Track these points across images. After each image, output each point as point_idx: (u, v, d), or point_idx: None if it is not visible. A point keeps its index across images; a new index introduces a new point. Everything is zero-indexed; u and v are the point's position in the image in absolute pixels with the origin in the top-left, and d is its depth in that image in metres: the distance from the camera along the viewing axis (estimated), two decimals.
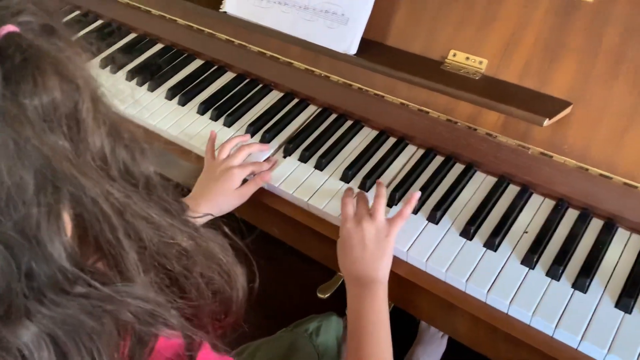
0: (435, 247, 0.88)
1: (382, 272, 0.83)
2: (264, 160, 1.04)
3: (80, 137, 0.42)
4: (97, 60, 1.33)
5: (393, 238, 0.85)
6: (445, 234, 0.89)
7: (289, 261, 1.76)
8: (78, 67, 0.43)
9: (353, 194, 0.91)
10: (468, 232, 0.88)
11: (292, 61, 1.11)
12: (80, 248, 0.44)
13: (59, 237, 0.40)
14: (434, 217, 0.91)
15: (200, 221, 0.86)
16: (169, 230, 0.49)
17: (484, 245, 0.86)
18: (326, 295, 1.41)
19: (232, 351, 0.58)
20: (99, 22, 1.46)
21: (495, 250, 0.86)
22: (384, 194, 0.88)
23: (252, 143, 1.05)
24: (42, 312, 0.40)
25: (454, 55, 0.93)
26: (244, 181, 0.98)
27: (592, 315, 0.77)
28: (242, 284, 0.59)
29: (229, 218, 0.63)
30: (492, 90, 0.88)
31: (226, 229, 0.61)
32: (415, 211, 0.92)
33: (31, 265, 0.39)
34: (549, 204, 0.91)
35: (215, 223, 0.61)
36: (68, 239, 0.42)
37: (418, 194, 0.90)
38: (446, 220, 0.91)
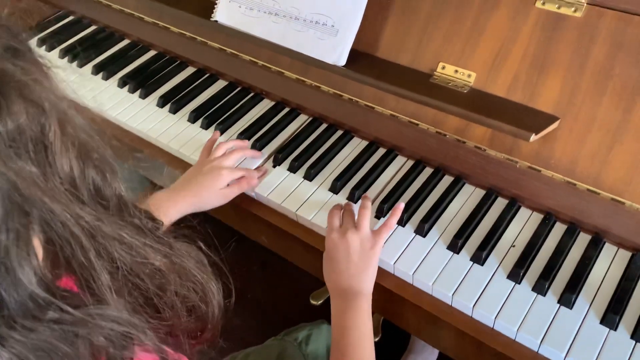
0: (423, 260, 0.88)
1: (367, 284, 0.82)
2: (255, 169, 1.04)
3: (47, 161, 0.41)
4: (89, 66, 1.33)
5: (378, 249, 0.85)
6: (432, 247, 0.89)
7: (282, 267, 1.76)
8: (44, 89, 0.42)
9: (341, 207, 0.91)
10: (455, 246, 0.88)
11: (283, 71, 1.11)
12: (52, 272, 0.43)
13: (29, 263, 0.40)
14: (422, 230, 0.90)
15: (172, 217, 0.88)
16: (142, 250, 0.49)
17: (471, 259, 0.86)
18: (319, 302, 1.41)
19: None
20: (93, 27, 1.46)
21: (482, 264, 0.86)
22: (369, 206, 0.88)
23: (247, 148, 1.06)
24: (15, 338, 0.40)
25: (443, 68, 0.93)
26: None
27: (578, 331, 0.77)
28: (217, 301, 0.58)
29: (205, 234, 0.62)
30: (480, 104, 0.87)
31: (201, 245, 0.60)
32: (403, 223, 0.92)
33: (1, 293, 0.39)
34: (537, 217, 0.91)
35: (191, 237, 0.60)
36: (39, 264, 0.41)
37: (402, 204, 0.90)
38: (434, 232, 0.91)
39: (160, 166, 1.13)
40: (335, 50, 0.97)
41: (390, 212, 0.90)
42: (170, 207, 0.90)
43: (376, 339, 1.56)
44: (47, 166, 0.41)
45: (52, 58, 1.38)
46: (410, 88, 0.91)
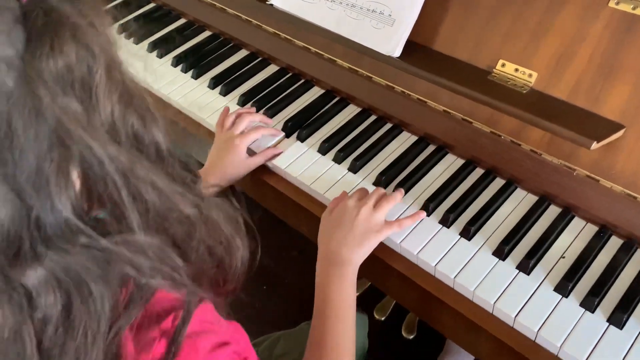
0: (466, 264, 0.84)
1: (358, 257, 0.83)
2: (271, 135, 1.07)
3: (91, 101, 0.43)
4: (145, 43, 1.34)
5: (381, 236, 0.85)
6: (477, 251, 0.86)
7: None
8: (97, 34, 0.44)
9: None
10: (502, 252, 0.84)
11: (335, 59, 1.09)
12: (86, 204, 0.46)
13: (66, 192, 0.43)
14: (468, 233, 0.87)
15: (209, 192, 0.89)
16: (173, 197, 0.50)
17: (517, 267, 0.83)
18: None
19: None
20: (152, 5, 1.47)
21: (528, 274, 0.82)
22: (398, 198, 0.89)
23: (254, 112, 1.09)
24: (50, 258, 0.43)
25: (503, 65, 0.89)
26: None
27: (627, 353, 0.73)
28: (242, 255, 0.59)
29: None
30: (539, 106, 0.83)
31: (234, 202, 0.61)
32: (448, 224, 0.89)
33: (40, 215, 0.42)
34: (591, 229, 0.86)
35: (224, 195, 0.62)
36: (75, 194, 0.44)
37: (424, 213, 0.89)
38: (480, 236, 0.87)
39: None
40: (391, 41, 0.94)
41: (411, 214, 0.89)
42: (208, 185, 0.93)
43: (411, 337, 1.55)
44: (90, 106, 0.43)
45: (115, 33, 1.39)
46: (467, 84, 0.88)
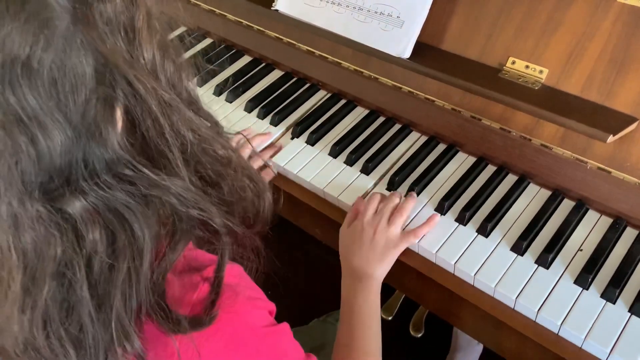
0: (485, 261, 0.85)
1: (380, 272, 0.86)
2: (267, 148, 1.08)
3: (135, 43, 0.46)
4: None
5: (399, 250, 0.87)
6: (495, 248, 0.86)
7: (324, 256, 1.75)
8: None
9: (383, 197, 0.93)
10: (520, 247, 0.85)
11: (340, 61, 1.09)
12: (129, 141, 0.48)
13: (113, 126, 0.45)
14: (485, 229, 0.88)
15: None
16: (208, 138, 0.53)
17: (536, 262, 0.84)
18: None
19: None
20: None
21: (547, 268, 0.83)
22: (410, 207, 0.90)
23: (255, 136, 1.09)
24: (94, 192, 0.45)
25: (513, 62, 0.90)
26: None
27: None
28: (268, 197, 0.63)
29: None
30: (552, 101, 0.84)
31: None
32: (465, 222, 0.90)
33: (88, 147, 0.44)
34: (606, 221, 0.87)
35: None
36: (120, 130, 0.46)
37: (438, 216, 0.90)
38: (497, 233, 0.88)
39: None
40: (400, 42, 0.95)
41: (426, 221, 0.89)
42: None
43: (419, 335, 1.55)
44: (134, 47, 0.46)
45: None
46: (479, 83, 0.88)
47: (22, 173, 0.41)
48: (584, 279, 0.80)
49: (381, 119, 1.09)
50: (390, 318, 1.58)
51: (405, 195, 0.94)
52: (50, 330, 0.46)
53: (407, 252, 0.90)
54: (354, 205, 0.94)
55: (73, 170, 0.44)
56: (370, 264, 0.85)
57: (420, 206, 0.93)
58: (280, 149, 1.07)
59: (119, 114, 0.46)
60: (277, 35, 1.18)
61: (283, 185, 1.04)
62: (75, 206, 0.44)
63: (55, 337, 0.46)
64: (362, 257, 0.86)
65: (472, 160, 0.99)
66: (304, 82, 1.20)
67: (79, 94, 0.43)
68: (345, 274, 0.88)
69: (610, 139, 0.78)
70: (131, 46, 0.46)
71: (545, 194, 0.92)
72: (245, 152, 1.03)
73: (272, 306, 0.61)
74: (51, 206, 0.44)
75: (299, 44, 1.15)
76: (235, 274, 0.58)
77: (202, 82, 1.24)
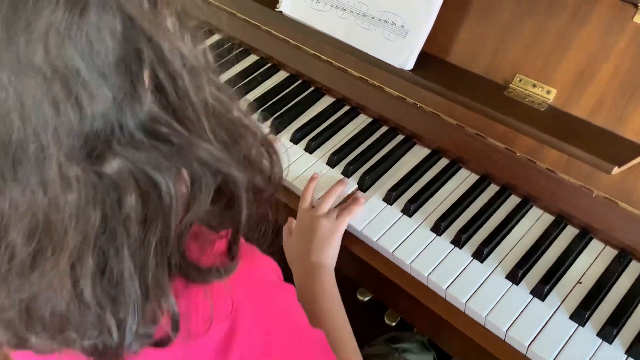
0: (478, 288, 0.81)
1: (328, 259, 0.86)
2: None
3: (157, 8, 0.46)
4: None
5: (340, 232, 0.88)
6: (490, 274, 0.83)
7: None
8: None
9: (315, 181, 0.96)
10: (515, 276, 0.81)
11: (346, 68, 1.06)
12: (159, 101, 0.48)
13: (144, 87, 0.46)
14: (480, 254, 0.84)
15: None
16: (226, 101, 0.53)
17: (532, 292, 0.80)
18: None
19: None
20: None
21: (543, 300, 0.79)
22: (336, 192, 0.93)
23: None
24: (130, 151, 0.46)
25: (520, 80, 0.85)
26: None
27: None
28: (280, 163, 0.62)
29: None
30: (558, 125, 0.80)
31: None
32: (461, 245, 0.86)
33: (123, 107, 0.45)
34: (610, 252, 0.82)
35: None
36: (149, 90, 0.47)
37: (363, 199, 0.92)
38: (493, 258, 0.84)
39: None
40: (403, 53, 0.90)
41: (352, 199, 0.91)
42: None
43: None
44: (157, 11, 0.46)
45: None
46: (482, 101, 0.84)
47: (66, 132, 0.42)
48: (581, 315, 0.76)
49: (384, 129, 1.06)
50: (394, 324, 1.55)
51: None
52: (95, 288, 0.47)
53: (400, 272, 0.87)
54: (288, 223, 0.96)
55: (109, 131, 0.45)
56: (314, 252, 0.86)
57: (415, 225, 0.89)
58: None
59: (146, 74, 0.47)
60: (284, 37, 1.14)
61: (279, 194, 1.01)
62: (113, 167, 0.45)
63: (99, 294, 0.48)
64: (304, 251, 0.87)
65: (474, 178, 0.95)
66: (309, 85, 1.16)
67: (114, 54, 0.44)
68: (295, 277, 0.87)
69: (615, 170, 0.73)
70: (155, 9, 0.46)
71: (548, 218, 0.87)
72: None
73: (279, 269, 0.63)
74: (90, 168, 0.45)
75: (305, 47, 1.12)
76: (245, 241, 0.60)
77: None
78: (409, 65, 0.91)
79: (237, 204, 0.56)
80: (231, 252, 0.55)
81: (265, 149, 0.60)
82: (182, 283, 0.52)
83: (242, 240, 0.58)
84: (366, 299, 1.30)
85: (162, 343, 0.52)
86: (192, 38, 0.51)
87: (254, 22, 1.19)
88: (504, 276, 0.82)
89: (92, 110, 0.43)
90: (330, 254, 0.87)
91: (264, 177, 0.60)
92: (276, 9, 1.09)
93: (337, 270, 0.87)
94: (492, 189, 0.93)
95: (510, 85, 0.86)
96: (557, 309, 0.78)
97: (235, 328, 0.53)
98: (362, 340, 1.22)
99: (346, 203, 0.93)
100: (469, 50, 0.90)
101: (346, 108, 1.11)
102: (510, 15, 0.86)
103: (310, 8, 1.00)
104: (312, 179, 0.97)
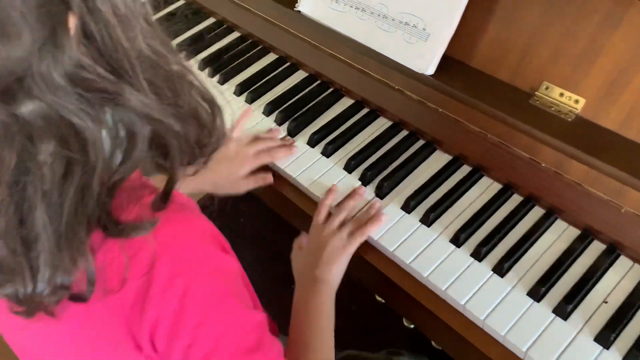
0: (498, 304, 0.78)
1: (331, 276, 0.83)
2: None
3: None
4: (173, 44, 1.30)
5: (349, 252, 0.85)
6: (510, 291, 0.79)
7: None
8: None
9: (334, 195, 0.93)
10: (537, 293, 0.78)
11: (365, 69, 1.02)
12: (86, 47, 0.47)
13: (68, 34, 0.44)
14: (501, 269, 0.81)
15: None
16: (163, 52, 0.52)
17: (554, 311, 0.76)
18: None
19: None
20: (181, 1, 1.42)
21: (565, 319, 0.75)
22: (354, 207, 0.90)
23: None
24: (49, 95, 0.44)
25: (546, 88, 0.81)
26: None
27: None
28: (222, 118, 0.60)
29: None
30: (586, 137, 0.76)
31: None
32: (481, 258, 0.83)
33: (44, 50, 0.43)
34: (638, 271, 0.78)
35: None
36: (74, 36, 0.45)
37: (385, 216, 0.88)
38: (514, 273, 0.81)
39: None
40: (424, 57, 0.87)
41: (372, 217, 0.88)
42: (192, 180, 0.92)
43: (440, 347, 1.50)
44: None
45: None
46: (506, 109, 0.80)
47: None
48: (605, 337, 0.72)
49: (404, 133, 1.02)
50: (412, 326, 1.53)
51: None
52: (9, 233, 0.47)
53: (415, 283, 0.84)
54: (302, 234, 0.94)
55: (28, 74, 0.44)
56: (318, 267, 0.83)
57: (433, 236, 0.87)
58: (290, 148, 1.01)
59: (72, 21, 0.45)
60: (300, 35, 1.12)
61: (291, 194, 1.00)
62: (28, 108, 0.44)
63: (14, 240, 0.47)
64: (311, 264, 0.85)
65: (497, 187, 0.91)
66: (327, 86, 1.14)
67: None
68: (297, 289, 0.85)
69: None
70: None
71: (574, 233, 0.84)
72: (260, 162, 0.99)
73: (227, 243, 0.60)
74: (2, 106, 0.44)
75: (324, 47, 1.09)
76: (186, 200, 0.58)
77: (224, 80, 1.19)
78: (430, 70, 0.88)
79: (171, 154, 0.54)
80: (156, 205, 0.53)
81: (209, 105, 0.58)
82: (101, 236, 0.51)
83: (181, 198, 0.56)
84: (385, 300, 1.29)
85: (80, 297, 0.51)
86: None
87: (272, 20, 1.17)
88: (525, 293, 0.79)
89: (7, 51, 0.42)
90: (335, 272, 0.84)
91: (205, 131, 0.58)
92: (295, 9, 1.06)
93: (349, 274, 0.86)
94: (515, 200, 0.89)
95: (536, 93, 0.82)
96: (580, 330, 0.74)
97: (149, 287, 0.52)
98: (380, 343, 1.20)
99: (363, 219, 0.89)
100: (493, 55, 0.86)
101: (365, 110, 1.08)
102: (537, 19, 0.82)
103: (329, 8, 0.97)
104: (330, 191, 0.93)
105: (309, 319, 0.80)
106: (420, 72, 0.88)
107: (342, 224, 0.88)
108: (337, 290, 0.84)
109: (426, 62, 0.87)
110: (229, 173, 0.97)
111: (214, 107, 0.59)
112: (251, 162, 0.98)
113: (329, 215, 0.91)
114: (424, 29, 0.86)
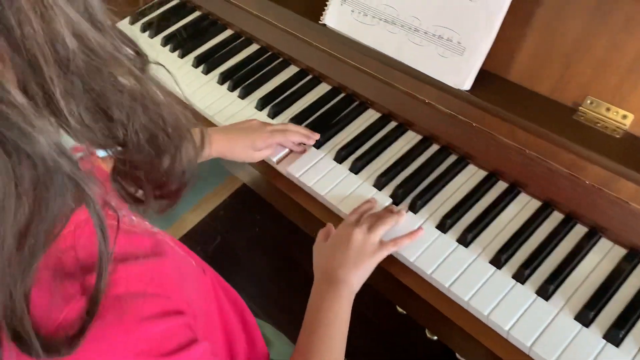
0: (544, 330, 0.75)
1: (354, 279, 0.79)
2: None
3: None
4: (191, 57, 1.27)
5: (377, 259, 0.82)
6: (557, 314, 0.76)
7: None
8: None
9: (371, 204, 0.91)
10: (585, 318, 0.74)
11: (392, 82, 0.99)
12: None
13: None
14: (546, 291, 0.77)
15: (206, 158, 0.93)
16: (103, 54, 0.39)
17: (604, 337, 0.73)
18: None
19: None
20: (197, 13, 1.40)
21: (617, 346, 0.72)
22: (394, 220, 0.86)
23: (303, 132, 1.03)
24: None
25: (591, 103, 0.78)
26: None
27: None
28: (190, 148, 0.49)
29: None
30: (635, 154, 0.72)
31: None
32: (524, 281, 0.79)
33: None
34: None
35: None
36: None
37: (422, 231, 0.86)
38: (559, 296, 0.77)
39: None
40: (460, 72, 0.84)
41: (409, 232, 0.86)
42: (214, 142, 0.93)
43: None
44: None
45: (155, 44, 1.34)
46: (549, 125, 0.77)
47: None
48: None
49: (435, 147, 0.99)
50: (435, 338, 1.50)
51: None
52: None
53: (454, 306, 0.81)
54: (326, 227, 0.89)
55: None
56: (343, 267, 0.79)
57: (471, 258, 0.83)
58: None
59: None
60: (324, 48, 1.08)
61: (318, 211, 0.97)
62: None
63: None
64: (335, 260, 0.81)
65: (536, 204, 0.88)
66: (352, 98, 1.10)
67: None
68: (316, 282, 0.81)
69: None
70: None
71: (619, 252, 0.80)
72: (276, 140, 0.99)
73: (188, 316, 0.48)
74: None
75: (348, 60, 1.06)
76: (150, 278, 0.45)
77: (245, 94, 1.16)
78: (467, 85, 0.85)
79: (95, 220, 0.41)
80: (75, 334, 0.40)
81: (172, 129, 0.46)
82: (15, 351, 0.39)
83: (119, 292, 0.43)
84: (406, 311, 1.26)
85: None
86: None
87: (294, 32, 1.13)
88: (573, 317, 0.75)
89: None
90: (358, 276, 0.80)
91: (164, 164, 0.47)
92: (320, 22, 1.03)
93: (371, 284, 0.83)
94: (556, 217, 0.86)
95: (580, 108, 0.78)
96: (634, 357, 0.71)
97: None
98: (402, 355, 1.16)
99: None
100: (532, 68, 0.83)
101: (393, 124, 1.04)
102: (580, 30, 0.78)
103: (357, 22, 0.94)
104: (368, 201, 0.92)
105: (321, 321, 0.76)
106: (456, 87, 0.85)
107: (375, 229, 0.84)
108: (358, 300, 0.80)
109: (462, 77, 0.84)
110: (244, 145, 0.97)
111: (180, 134, 0.47)
112: (265, 137, 0.98)
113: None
114: (459, 43, 0.83)
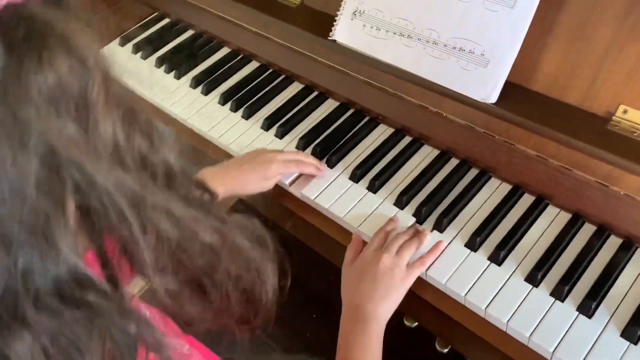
0: (564, 335, 0.73)
1: (383, 311, 0.78)
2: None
3: (89, 121, 0.37)
4: (188, 77, 1.22)
5: (407, 285, 0.80)
6: (600, 334, 0.73)
7: None
8: (88, 44, 0.37)
9: (395, 224, 0.87)
10: (634, 336, 0.71)
11: (404, 95, 0.96)
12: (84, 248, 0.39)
13: (66, 234, 0.36)
14: (588, 309, 0.75)
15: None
16: (191, 224, 0.44)
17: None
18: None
19: None
20: (190, 32, 1.35)
21: None
22: (421, 242, 0.83)
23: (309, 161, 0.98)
24: (39, 322, 0.36)
25: (625, 112, 0.75)
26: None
27: None
28: (272, 283, 0.53)
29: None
30: None
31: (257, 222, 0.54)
32: (563, 298, 0.76)
33: (31, 267, 0.35)
34: None
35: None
36: (72, 233, 0.37)
37: (443, 244, 0.83)
38: (603, 313, 0.75)
39: None
40: (486, 85, 0.81)
41: (431, 248, 0.83)
42: (219, 185, 0.87)
43: (445, 351, 1.43)
44: (89, 127, 0.37)
45: (148, 67, 1.29)
46: (582, 136, 0.74)
47: None
48: None
49: (454, 162, 0.96)
50: (445, 351, 1.47)
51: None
52: None
53: (491, 328, 0.78)
54: (354, 238, 0.87)
55: (12, 299, 0.35)
56: (374, 302, 0.78)
57: (506, 275, 0.80)
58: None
59: (71, 208, 0.37)
60: (333, 64, 1.05)
61: (331, 230, 0.94)
62: (15, 345, 0.35)
63: None
64: (364, 293, 0.79)
65: (565, 217, 0.85)
66: (362, 114, 1.07)
67: (21, 200, 0.34)
68: (344, 313, 0.80)
69: None
70: (85, 125, 0.37)
71: None
72: (287, 169, 0.95)
73: None
74: None
75: (357, 75, 1.02)
76: None
77: (249, 114, 1.12)
78: (493, 98, 0.82)
79: None
80: None
81: (256, 265, 0.50)
82: None
83: None
84: (414, 325, 1.22)
85: None
86: (147, 139, 0.41)
87: (299, 49, 1.10)
88: (619, 334, 0.73)
89: None
90: (387, 308, 0.79)
91: (253, 302, 0.51)
92: (329, 38, 0.99)
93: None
94: (588, 229, 0.83)
95: (614, 117, 0.76)
96: None
97: None
98: None
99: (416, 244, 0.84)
100: (560, 77, 0.80)
101: (408, 139, 1.01)
102: (610, 37, 0.76)
103: (369, 36, 0.91)
104: (392, 221, 0.88)
105: (353, 357, 0.75)
106: (482, 101, 0.82)
107: (402, 252, 0.81)
108: None
109: (488, 90, 0.81)
110: (257, 177, 0.94)
111: (261, 272, 0.51)
112: (279, 168, 0.94)
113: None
114: (482, 54, 0.80)
